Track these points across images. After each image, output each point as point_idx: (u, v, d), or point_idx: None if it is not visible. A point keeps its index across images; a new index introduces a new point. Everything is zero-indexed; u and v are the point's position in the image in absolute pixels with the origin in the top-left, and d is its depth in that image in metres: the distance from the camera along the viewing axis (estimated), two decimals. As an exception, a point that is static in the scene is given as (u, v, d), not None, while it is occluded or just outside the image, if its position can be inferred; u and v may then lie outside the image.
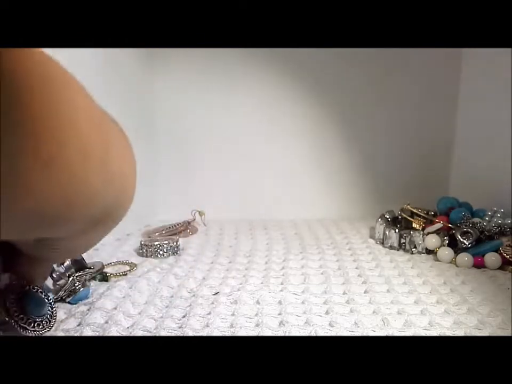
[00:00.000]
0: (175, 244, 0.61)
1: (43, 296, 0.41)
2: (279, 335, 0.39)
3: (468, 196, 0.68)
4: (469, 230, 0.59)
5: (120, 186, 0.32)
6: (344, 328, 0.41)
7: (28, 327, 0.38)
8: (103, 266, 0.53)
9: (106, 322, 0.41)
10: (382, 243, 0.65)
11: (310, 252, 0.62)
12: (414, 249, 0.62)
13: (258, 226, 0.76)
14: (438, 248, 0.60)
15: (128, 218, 0.72)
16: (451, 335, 0.40)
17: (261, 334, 0.39)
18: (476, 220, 0.61)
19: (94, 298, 0.46)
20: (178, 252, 0.61)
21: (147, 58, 0.76)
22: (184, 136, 0.80)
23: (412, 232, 0.62)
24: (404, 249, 0.62)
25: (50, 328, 0.40)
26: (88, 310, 0.44)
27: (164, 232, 0.70)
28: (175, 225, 0.71)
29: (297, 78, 0.80)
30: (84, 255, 0.50)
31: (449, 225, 0.62)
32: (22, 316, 0.39)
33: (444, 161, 0.82)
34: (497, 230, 0.60)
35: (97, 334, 0.40)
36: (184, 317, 0.43)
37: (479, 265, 0.56)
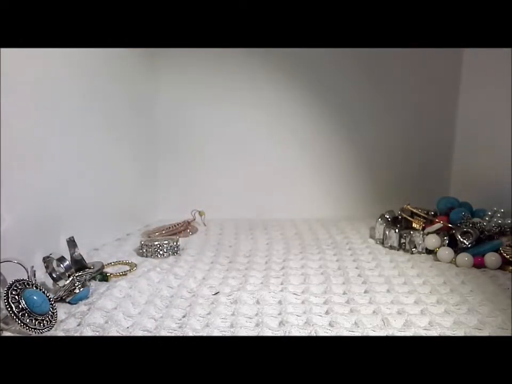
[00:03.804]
0: (175, 243, 0.61)
1: (45, 295, 0.41)
2: (279, 335, 0.39)
3: (467, 196, 0.68)
4: (469, 230, 0.59)
5: None
6: (344, 328, 0.41)
7: (29, 325, 0.39)
8: (103, 266, 0.53)
9: (106, 322, 0.41)
10: (382, 243, 0.65)
11: (310, 252, 0.62)
12: (414, 249, 0.62)
13: (258, 226, 0.76)
14: (438, 248, 0.60)
15: (128, 218, 0.73)
16: (451, 335, 0.40)
17: (261, 334, 0.39)
18: (476, 220, 0.61)
19: (94, 298, 0.46)
20: (178, 252, 0.61)
21: (148, 59, 0.75)
22: (184, 137, 0.80)
23: (411, 232, 0.62)
24: (404, 249, 0.62)
25: (51, 328, 0.40)
26: (88, 310, 0.43)
27: (164, 232, 0.70)
28: (175, 225, 0.71)
29: (296, 79, 0.80)
30: (84, 255, 0.50)
31: (449, 225, 0.62)
32: (24, 313, 0.39)
33: (443, 161, 0.82)
34: (497, 230, 0.60)
35: (97, 334, 0.40)
36: (184, 317, 0.43)
37: (479, 265, 0.56)
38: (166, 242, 0.61)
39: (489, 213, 0.62)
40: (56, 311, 0.42)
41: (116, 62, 0.67)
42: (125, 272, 0.53)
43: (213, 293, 0.48)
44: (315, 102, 0.80)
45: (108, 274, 0.52)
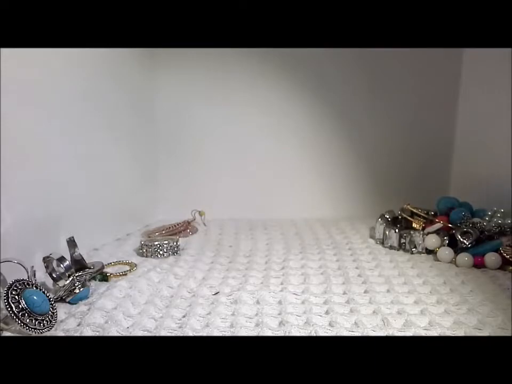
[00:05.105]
0: (175, 243, 0.61)
1: (45, 295, 0.41)
2: (279, 335, 0.39)
3: (467, 196, 0.68)
4: (469, 230, 0.59)
5: None
6: (344, 328, 0.41)
7: (29, 325, 0.39)
8: (103, 266, 0.53)
9: (106, 322, 0.41)
10: (382, 243, 0.65)
11: (310, 252, 0.62)
12: (414, 249, 0.62)
13: (258, 226, 0.76)
14: (438, 248, 0.60)
15: (128, 218, 0.73)
16: (451, 335, 0.40)
17: (261, 334, 0.39)
18: (476, 220, 0.61)
19: (94, 298, 0.46)
20: (178, 252, 0.61)
21: (147, 58, 0.75)
22: (184, 136, 0.80)
23: (412, 232, 0.62)
24: (404, 249, 0.62)
25: (51, 328, 0.40)
26: (88, 310, 0.43)
27: (164, 232, 0.70)
28: (175, 225, 0.71)
29: (297, 79, 0.80)
30: (84, 255, 0.50)
31: (449, 225, 0.62)
32: (24, 313, 0.39)
33: (443, 161, 0.82)
34: (497, 230, 0.59)
35: (97, 334, 0.40)
36: (184, 317, 0.43)
37: (479, 265, 0.56)
38: (166, 242, 0.61)
39: (489, 213, 0.62)
40: (56, 311, 0.42)
41: (116, 62, 0.67)
42: (125, 272, 0.53)
43: (213, 293, 0.48)
44: (315, 102, 0.80)
45: (108, 274, 0.52)
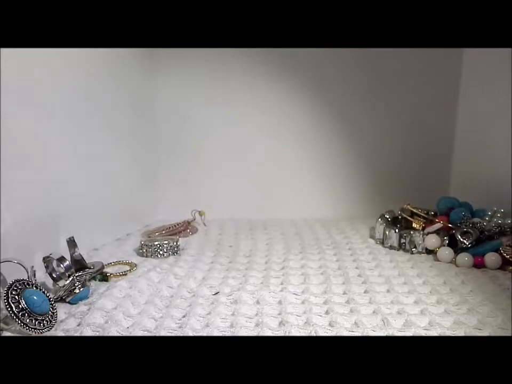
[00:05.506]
0: (175, 243, 0.61)
1: (45, 295, 0.41)
2: (279, 335, 0.39)
3: (467, 196, 0.68)
4: (469, 230, 0.59)
5: None
6: (344, 328, 0.41)
7: (29, 325, 0.39)
8: (103, 266, 0.53)
9: (106, 322, 0.41)
10: (382, 243, 0.65)
11: (310, 252, 0.62)
12: (414, 249, 0.62)
13: (258, 226, 0.76)
14: (438, 248, 0.60)
15: (128, 218, 0.73)
16: (451, 335, 0.40)
17: (261, 334, 0.39)
18: (476, 220, 0.61)
19: (94, 298, 0.46)
20: (178, 252, 0.61)
21: (147, 58, 0.75)
22: (184, 136, 0.80)
23: (412, 232, 0.62)
24: (404, 249, 0.62)
25: (51, 328, 0.40)
26: (88, 310, 0.43)
27: (164, 232, 0.70)
28: (175, 225, 0.71)
29: (297, 79, 0.80)
30: (84, 255, 0.50)
31: (449, 225, 0.62)
32: (24, 313, 0.39)
33: (443, 161, 0.82)
34: (497, 230, 0.59)
35: (97, 334, 0.40)
36: (184, 317, 0.43)
37: (479, 265, 0.56)
38: (166, 242, 0.61)
39: (489, 213, 0.62)
40: (56, 311, 0.42)
41: (116, 62, 0.67)
42: (125, 272, 0.53)
43: (213, 293, 0.48)
44: (315, 102, 0.80)
45: (108, 274, 0.52)
